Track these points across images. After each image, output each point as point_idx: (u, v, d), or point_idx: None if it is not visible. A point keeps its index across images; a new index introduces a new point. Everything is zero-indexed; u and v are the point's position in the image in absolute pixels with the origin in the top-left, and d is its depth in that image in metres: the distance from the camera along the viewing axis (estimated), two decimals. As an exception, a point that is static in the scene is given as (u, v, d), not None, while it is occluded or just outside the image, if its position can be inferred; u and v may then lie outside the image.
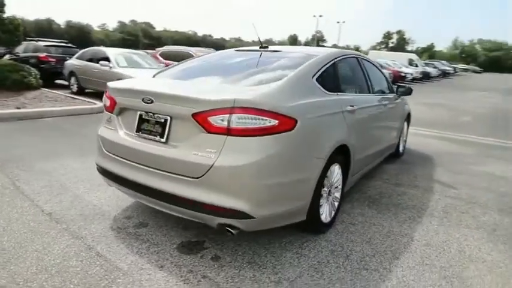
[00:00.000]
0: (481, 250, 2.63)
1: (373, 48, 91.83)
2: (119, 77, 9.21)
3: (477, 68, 59.45)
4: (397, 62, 25.22)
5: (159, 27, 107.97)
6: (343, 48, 79.42)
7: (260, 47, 3.26)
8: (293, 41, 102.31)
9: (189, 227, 2.72)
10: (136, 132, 2.42)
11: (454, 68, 41.00)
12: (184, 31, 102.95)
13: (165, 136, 2.25)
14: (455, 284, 2.20)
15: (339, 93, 2.86)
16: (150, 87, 2.45)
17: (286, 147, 2.14)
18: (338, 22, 70.27)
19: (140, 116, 2.40)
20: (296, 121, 2.17)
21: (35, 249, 2.34)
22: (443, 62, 39.69)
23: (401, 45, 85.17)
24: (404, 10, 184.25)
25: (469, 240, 2.78)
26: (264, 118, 2.03)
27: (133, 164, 2.38)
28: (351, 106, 2.92)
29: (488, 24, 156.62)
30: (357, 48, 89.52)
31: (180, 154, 2.15)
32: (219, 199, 2.04)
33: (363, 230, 2.85)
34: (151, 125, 2.34)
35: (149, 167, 2.29)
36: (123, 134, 2.50)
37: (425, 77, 28.12)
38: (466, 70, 51.68)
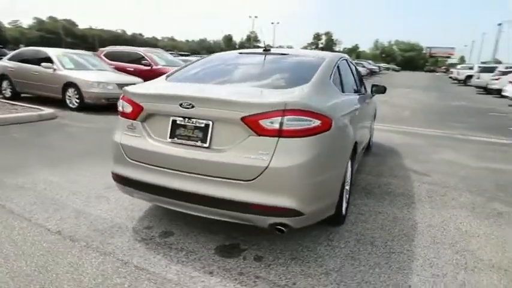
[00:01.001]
0: (472, 226, 3.05)
1: (305, 48, 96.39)
2: (66, 80, 8.56)
3: (396, 67, 65.99)
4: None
5: (82, 24, 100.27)
6: (277, 48, 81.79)
7: (264, 50, 3.34)
8: (228, 41, 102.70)
9: (216, 231, 2.71)
10: (170, 138, 2.35)
11: (379, 67, 44.91)
12: (112, 29, 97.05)
13: (208, 141, 2.23)
14: (468, 256, 2.55)
15: (346, 94, 3.08)
16: (188, 91, 2.41)
17: (326, 146, 2.27)
18: (272, 23, 72.06)
19: (174, 121, 2.34)
20: (331, 121, 2.31)
21: (65, 271, 2.16)
22: (369, 61, 43.22)
23: (329, 45, 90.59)
24: (332, 12, 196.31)
25: (460, 218, 3.20)
26: (310, 119, 2.14)
27: (169, 170, 2.31)
28: (355, 105, 3.16)
29: (404, 26, 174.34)
30: (289, 48, 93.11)
31: (229, 158, 2.15)
32: (272, 199, 2.11)
33: (372, 218, 3.12)
34: (189, 131, 2.30)
35: (190, 172, 2.25)
36: (153, 141, 2.41)
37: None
38: (387, 69, 56.89)
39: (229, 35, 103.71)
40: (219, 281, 2.13)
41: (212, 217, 2.36)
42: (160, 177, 2.34)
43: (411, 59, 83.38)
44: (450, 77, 33.32)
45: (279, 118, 2.08)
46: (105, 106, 8.11)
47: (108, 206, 3.12)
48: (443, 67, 75.99)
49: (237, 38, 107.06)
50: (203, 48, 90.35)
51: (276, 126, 2.09)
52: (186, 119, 2.30)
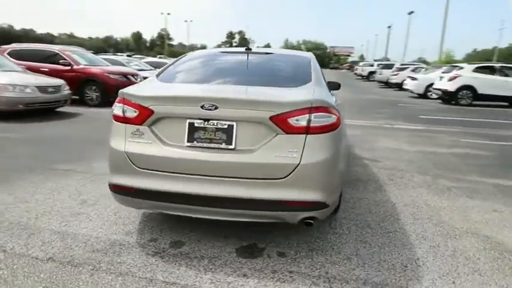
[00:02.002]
0: (436, 201, 3.56)
1: (219, 46, 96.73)
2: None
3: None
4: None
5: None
6: (191, 46, 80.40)
7: (246, 49, 3.34)
8: (137, 38, 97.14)
9: (227, 235, 2.67)
10: (188, 142, 2.23)
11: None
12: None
13: (234, 142, 2.19)
14: (446, 227, 2.98)
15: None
16: (211, 93, 2.32)
17: (340, 140, 2.42)
18: (186, 21, 70.07)
19: (191, 124, 2.22)
20: (339, 116, 2.47)
21: (86, 299, 1.91)
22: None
23: (243, 44, 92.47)
24: (245, 11, 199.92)
25: (424, 196, 3.69)
26: (330, 115, 2.26)
27: (187, 176, 2.20)
28: (338, 101, 3.39)
29: (310, 27, 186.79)
30: (203, 47, 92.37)
31: (259, 158, 2.15)
32: (303, 195, 2.17)
33: (358, 204, 3.40)
34: (210, 133, 2.21)
35: (213, 176, 2.18)
36: (167, 147, 2.25)
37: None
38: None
39: (138, 32, 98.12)
40: (257, 282, 2.12)
41: (236, 219, 2.32)
42: (178, 184, 2.21)
43: (317, 57, 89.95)
44: (355, 73, 37.03)
45: (307, 116, 2.15)
46: (21, 113, 7.11)
47: (92, 223, 2.80)
48: (346, 64, 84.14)
49: (148, 36, 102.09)
50: (110, 46, 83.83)
51: (304, 123, 2.16)
52: (206, 121, 2.21)
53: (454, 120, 9.50)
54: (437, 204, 3.48)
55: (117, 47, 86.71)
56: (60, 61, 9.78)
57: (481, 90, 12.67)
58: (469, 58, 66.68)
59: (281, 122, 2.14)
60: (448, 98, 13.27)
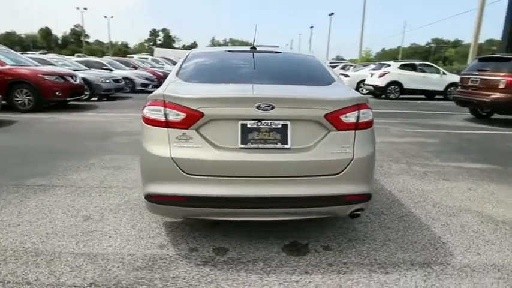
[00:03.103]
0: (422, 186, 3.97)
1: (141, 44, 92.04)
2: None
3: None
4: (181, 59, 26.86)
5: None
6: (109, 44, 74.85)
7: (252, 48, 3.31)
8: (46, 34, 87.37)
9: (264, 236, 2.65)
10: (242, 144, 2.16)
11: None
12: None
13: (289, 141, 2.19)
14: (442, 207, 3.36)
15: None
16: (266, 93, 2.27)
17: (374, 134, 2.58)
18: (106, 17, 64.65)
19: (243, 125, 2.17)
20: None
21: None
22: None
23: (167, 42, 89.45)
24: (168, 9, 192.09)
25: (410, 182, 4.09)
26: (370, 112, 2.40)
27: (241, 178, 2.16)
28: None
29: (236, 25, 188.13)
30: (125, 45, 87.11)
31: (315, 156, 2.19)
32: (356, 188, 2.28)
33: (360, 194, 3.64)
34: (264, 133, 2.18)
35: (269, 176, 2.17)
36: (219, 150, 2.15)
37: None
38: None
39: (46, 27, 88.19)
40: (321, 277, 2.17)
41: (289, 218, 2.34)
42: (233, 188, 2.15)
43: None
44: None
45: (356, 112, 2.26)
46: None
47: (114, 240, 2.55)
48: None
49: (59, 32, 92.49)
50: (14, 43, 73.97)
51: (353, 120, 2.26)
52: (259, 122, 2.17)
53: (390, 113, 10.54)
54: (424, 188, 3.89)
55: (22, 44, 76.89)
56: (-21, 61, 8.43)
57: (406, 85, 14.29)
58: (379, 57, 74.07)
59: (334, 120, 2.22)
60: (379, 92, 14.67)
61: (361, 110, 2.29)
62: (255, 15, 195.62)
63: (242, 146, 2.18)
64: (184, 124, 2.16)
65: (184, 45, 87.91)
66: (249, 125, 2.18)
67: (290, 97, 2.27)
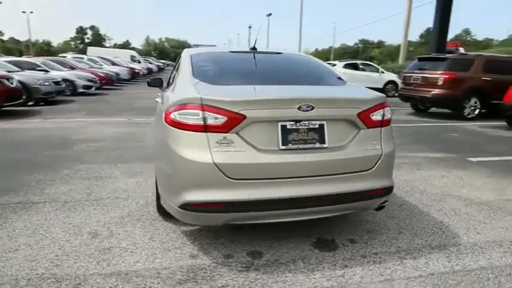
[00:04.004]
0: (404, 175, 4.30)
1: (67, 43, 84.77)
2: None
3: (173, 63, 69.24)
4: (119, 59, 25.39)
5: None
6: (29, 42, 67.43)
7: (252, 49, 3.29)
8: None
9: (289, 236, 2.69)
10: (283, 145, 2.17)
11: (163, 63, 46.23)
12: None
13: (326, 140, 2.25)
14: (428, 194, 3.70)
15: None
16: (307, 93, 2.32)
17: None
18: (24, 12, 57.63)
19: (283, 126, 2.17)
20: None
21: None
22: (152, 58, 43.54)
23: (97, 40, 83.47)
24: (96, 5, 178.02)
25: (405, 174, 4.39)
26: (389, 110, 2.56)
27: (283, 180, 2.18)
28: None
29: (172, 24, 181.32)
30: (48, 44, 79.49)
31: (351, 153, 2.29)
32: (383, 182, 2.43)
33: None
34: (302, 134, 2.21)
35: (309, 176, 2.21)
36: (261, 153, 2.13)
37: (149, 72, 30.38)
38: (167, 65, 59.02)
39: None
40: (361, 269, 2.27)
41: (324, 215, 2.40)
42: (278, 190, 2.16)
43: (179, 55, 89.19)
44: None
45: (382, 110, 2.41)
46: None
47: (138, 255, 2.39)
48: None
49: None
50: None
51: (379, 118, 2.40)
52: (297, 123, 2.20)
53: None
54: (407, 177, 4.24)
55: None
56: None
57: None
58: (315, 57, 77.67)
59: (365, 118, 2.34)
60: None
61: (385, 108, 2.45)
62: (191, 14, 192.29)
63: (283, 147, 2.19)
64: (225, 128, 2.10)
65: (116, 44, 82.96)
66: (288, 126, 2.20)
67: (328, 97, 2.35)
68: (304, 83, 2.70)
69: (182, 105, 2.18)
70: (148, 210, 3.12)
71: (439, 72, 9.04)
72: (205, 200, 2.11)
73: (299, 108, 2.17)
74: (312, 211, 2.30)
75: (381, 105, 2.43)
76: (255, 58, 3.04)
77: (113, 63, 22.66)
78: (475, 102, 9.02)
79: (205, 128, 2.10)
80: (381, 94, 2.56)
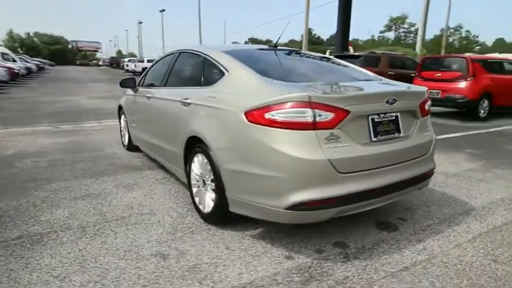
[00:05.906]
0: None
1: None
2: None
3: (51, 62, 60.33)
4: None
5: None
6: None
7: (273, 46, 3.31)
8: None
9: (346, 224, 2.84)
10: (375, 137, 2.32)
11: (41, 62, 40.11)
12: None
13: (401, 130, 2.48)
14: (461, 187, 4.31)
15: None
16: (391, 88, 2.58)
17: None
18: None
19: (373, 119, 2.32)
20: None
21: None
22: (26, 56, 37.21)
23: None
24: None
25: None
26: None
27: (376, 170, 2.34)
28: None
29: (42, 17, 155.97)
30: None
31: (418, 140, 2.60)
32: (432, 164, 2.80)
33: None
34: (385, 125, 2.40)
35: (393, 164, 2.41)
36: (361, 145, 2.26)
37: (29, 72, 26.09)
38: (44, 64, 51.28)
39: None
40: (431, 240, 2.59)
41: (396, 199, 2.65)
42: (376, 179, 2.33)
43: (59, 53, 78.44)
44: (127, 70, 35.36)
45: (429, 101, 2.76)
46: None
47: (233, 267, 2.23)
48: (94, 60, 78.39)
49: None
50: None
51: (428, 107, 2.75)
52: (382, 115, 2.37)
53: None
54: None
55: None
56: None
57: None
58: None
59: (422, 108, 2.66)
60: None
61: (429, 100, 2.81)
62: (67, 8, 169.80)
63: (375, 139, 2.34)
64: (331, 124, 2.14)
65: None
66: (376, 119, 2.36)
67: (404, 91, 2.62)
68: (359, 80, 2.90)
69: (282, 104, 2.11)
70: (190, 221, 2.87)
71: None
72: (319, 197, 2.12)
73: (387, 102, 2.35)
74: (394, 195, 2.52)
75: (428, 97, 2.79)
76: (292, 56, 3.12)
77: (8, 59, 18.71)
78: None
79: (314, 126, 2.10)
80: (425, 87, 2.92)
